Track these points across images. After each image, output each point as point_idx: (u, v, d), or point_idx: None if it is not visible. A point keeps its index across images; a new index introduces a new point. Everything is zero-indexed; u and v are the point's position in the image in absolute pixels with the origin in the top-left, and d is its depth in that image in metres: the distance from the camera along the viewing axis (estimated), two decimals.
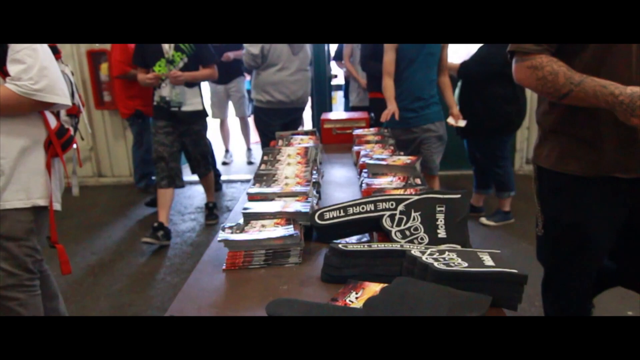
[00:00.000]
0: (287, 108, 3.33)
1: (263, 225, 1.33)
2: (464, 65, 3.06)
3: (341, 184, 1.98)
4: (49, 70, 1.47)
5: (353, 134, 2.60)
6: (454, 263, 1.00)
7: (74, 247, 3.32)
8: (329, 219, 1.34)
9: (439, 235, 1.24)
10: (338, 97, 5.55)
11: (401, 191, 1.56)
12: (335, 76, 5.06)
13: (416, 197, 1.32)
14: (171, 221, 3.75)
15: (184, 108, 3.23)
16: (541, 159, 1.51)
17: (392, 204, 1.31)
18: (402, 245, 1.17)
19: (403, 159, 1.90)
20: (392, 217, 1.28)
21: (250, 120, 4.89)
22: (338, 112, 4.77)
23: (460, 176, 4.44)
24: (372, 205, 1.33)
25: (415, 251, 1.07)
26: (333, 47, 4.93)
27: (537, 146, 1.53)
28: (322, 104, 4.65)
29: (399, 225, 1.27)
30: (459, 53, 3.25)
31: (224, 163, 5.37)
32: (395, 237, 1.24)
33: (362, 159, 1.98)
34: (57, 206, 1.69)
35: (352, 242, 1.31)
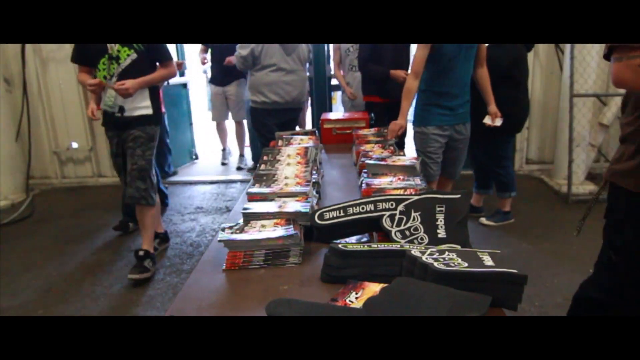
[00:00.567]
0: (282, 108, 3.33)
1: (263, 226, 1.33)
2: None
3: (341, 184, 1.98)
4: None
5: (353, 134, 2.60)
6: (454, 263, 1.00)
7: (74, 247, 3.32)
8: (329, 219, 1.34)
9: (439, 235, 1.24)
10: (338, 97, 5.55)
11: (401, 191, 1.56)
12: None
13: (416, 197, 1.32)
14: (171, 221, 3.75)
15: (128, 113, 2.65)
16: (626, 180, 1.33)
17: (392, 204, 1.31)
18: (402, 246, 1.17)
19: (403, 159, 1.90)
20: (392, 217, 1.28)
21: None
22: (338, 112, 4.76)
23: (461, 176, 4.43)
24: (372, 205, 1.33)
25: (415, 251, 1.07)
26: (333, 47, 4.92)
27: (620, 162, 1.35)
28: (322, 104, 4.65)
29: (398, 225, 1.27)
30: None
31: (223, 164, 5.27)
32: (395, 237, 1.25)
33: (362, 159, 1.98)
34: None
35: (352, 242, 1.31)
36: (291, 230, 1.28)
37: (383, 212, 1.30)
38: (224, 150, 5.36)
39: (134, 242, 3.38)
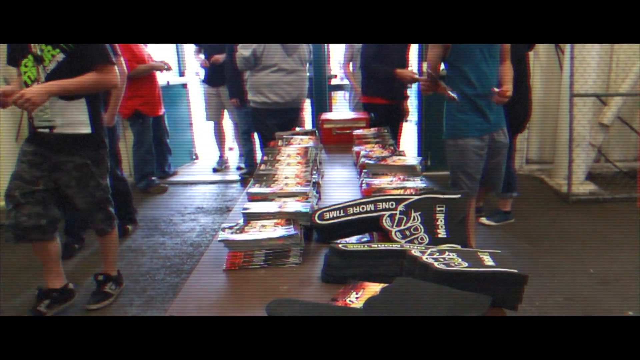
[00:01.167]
0: (282, 109, 3.33)
1: (263, 226, 1.33)
2: None
3: (341, 184, 1.98)
4: None
5: (353, 134, 2.60)
6: (454, 263, 1.00)
7: (73, 247, 3.32)
8: (329, 219, 1.34)
9: (439, 235, 1.24)
10: (338, 97, 5.54)
11: (401, 191, 1.56)
12: (335, 76, 5.04)
13: (416, 197, 1.32)
14: (171, 221, 3.75)
15: (58, 130, 2.15)
16: None
17: (392, 204, 1.31)
18: (402, 245, 1.17)
19: (403, 159, 1.90)
20: (392, 217, 1.28)
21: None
22: (338, 112, 4.76)
23: None
24: (372, 205, 1.33)
25: (415, 251, 1.07)
26: (333, 47, 4.91)
27: None
28: (322, 104, 4.65)
29: (399, 225, 1.27)
30: None
31: (216, 170, 5.02)
32: (395, 237, 1.25)
33: (362, 159, 1.98)
34: None
35: (352, 242, 1.31)
36: (291, 230, 1.28)
37: (383, 212, 1.30)
38: (220, 157, 5.14)
39: (134, 242, 3.38)
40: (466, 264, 0.99)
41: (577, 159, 3.87)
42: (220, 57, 4.41)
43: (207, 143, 5.67)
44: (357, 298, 1.00)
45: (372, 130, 2.65)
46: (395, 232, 1.26)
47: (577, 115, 3.79)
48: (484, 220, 3.42)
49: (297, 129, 2.92)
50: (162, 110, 4.44)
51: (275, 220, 1.37)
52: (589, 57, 3.76)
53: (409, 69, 3.47)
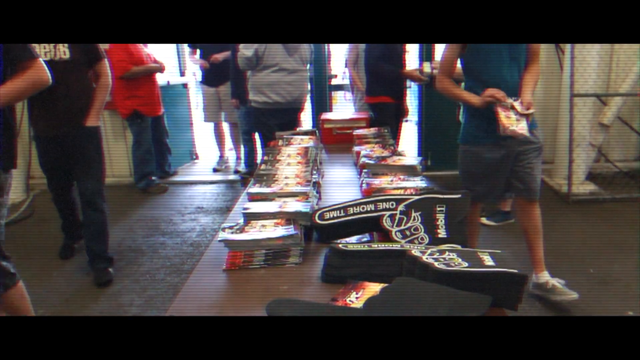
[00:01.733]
0: (283, 108, 3.33)
1: (263, 225, 1.33)
2: None
3: (341, 184, 1.98)
4: None
5: (353, 134, 2.60)
6: (454, 263, 1.00)
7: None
8: (330, 219, 1.34)
9: (439, 235, 1.24)
10: (338, 98, 5.54)
11: (401, 191, 1.56)
12: (335, 76, 5.04)
13: (416, 197, 1.32)
14: (171, 221, 3.76)
15: None
16: None
17: (392, 204, 1.31)
18: (402, 245, 1.17)
19: (403, 159, 1.90)
20: (392, 217, 1.28)
21: None
22: (338, 112, 4.76)
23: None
24: (372, 205, 1.33)
25: (415, 251, 1.07)
26: (333, 47, 4.91)
27: None
28: (322, 104, 4.65)
29: (399, 225, 1.27)
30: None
31: (216, 170, 5.02)
32: (395, 237, 1.25)
33: (363, 159, 1.98)
34: None
35: (352, 242, 1.31)
36: (291, 230, 1.28)
37: (383, 212, 1.30)
38: (221, 157, 5.16)
39: (134, 242, 3.38)
40: (466, 264, 0.99)
41: (577, 159, 3.87)
42: (219, 57, 4.39)
43: (207, 143, 5.67)
44: (357, 298, 1.00)
45: (373, 130, 2.65)
46: (396, 232, 1.26)
47: (577, 115, 3.79)
48: (484, 220, 3.42)
49: (298, 129, 2.92)
50: (162, 110, 4.44)
51: (275, 220, 1.37)
52: (589, 57, 3.76)
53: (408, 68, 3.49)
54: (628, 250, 2.89)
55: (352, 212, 1.33)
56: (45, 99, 2.36)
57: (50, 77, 1.85)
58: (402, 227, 1.26)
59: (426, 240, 1.23)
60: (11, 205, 4.21)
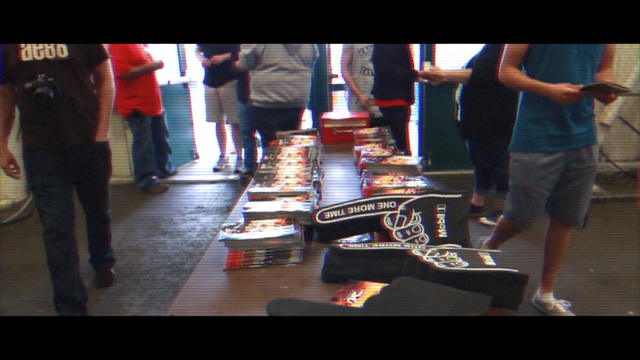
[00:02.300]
0: (284, 108, 3.33)
1: (264, 225, 1.33)
2: (469, 65, 3.03)
3: (342, 183, 1.98)
4: None
5: (354, 134, 2.60)
6: (454, 263, 1.00)
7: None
8: (330, 218, 1.34)
9: (440, 235, 1.23)
10: (338, 98, 5.52)
11: (402, 191, 1.55)
12: (336, 76, 5.03)
13: (417, 197, 1.32)
14: (172, 221, 3.76)
15: None
16: None
17: (392, 204, 1.31)
18: (402, 245, 1.17)
19: (403, 159, 1.90)
20: (392, 216, 1.28)
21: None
22: (338, 112, 4.75)
23: (460, 176, 4.43)
24: (373, 205, 1.33)
25: (415, 251, 1.07)
26: (333, 47, 4.90)
27: None
28: (322, 104, 4.64)
29: (399, 224, 1.27)
30: (457, 54, 3.24)
31: (216, 169, 4.98)
32: (395, 237, 1.24)
33: (363, 159, 1.98)
34: None
35: (352, 242, 1.31)
36: (292, 230, 1.28)
37: (384, 212, 1.30)
38: (221, 157, 5.13)
39: (134, 242, 3.38)
40: (467, 264, 0.99)
41: None
42: (219, 58, 4.38)
43: (208, 142, 5.66)
44: (357, 298, 1.00)
45: (373, 129, 2.65)
46: (396, 231, 1.26)
47: None
48: (484, 220, 3.42)
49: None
50: (162, 110, 4.44)
51: (276, 220, 1.37)
52: None
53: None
54: (628, 250, 2.89)
55: (352, 211, 1.33)
56: (40, 106, 2.06)
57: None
58: (403, 227, 1.26)
59: (426, 240, 1.23)
60: (11, 205, 4.21)
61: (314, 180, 1.73)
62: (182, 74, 5.26)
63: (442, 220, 1.26)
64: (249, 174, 4.49)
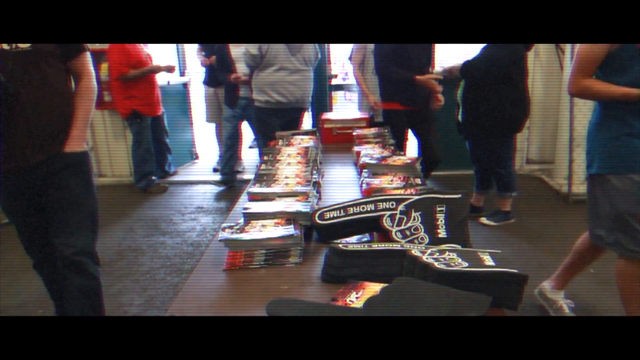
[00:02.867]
0: (285, 108, 3.33)
1: (263, 225, 1.33)
2: (468, 65, 3.02)
3: (341, 184, 1.98)
4: None
5: (353, 134, 2.60)
6: (454, 263, 1.00)
7: None
8: (330, 218, 1.34)
9: (440, 235, 1.24)
10: (338, 97, 5.52)
11: (401, 191, 1.56)
12: (335, 76, 5.03)
13: (416, 197, 1.32)
14: (172, 221, 3.76)
15: None
16: None
17: (392, 204, 1.31)
18: (402, 245, 1.17)
19: (403, 159, 1.90)
20: (392, 216, 1.28)
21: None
22: (338, 112, 4.75)
23: (461, 176, 4.44)
24: (372, 205, 1.33)
25: (415, 251, 1.07)
26: (333, 47, 4.90)
27: None
28: (322, 104, 4.64)
29: (399, 225, 1.27)
30: (456, 53, 3.24)
31: (216, 170, 4.90)
32: (395, 237, 1.25)
33: (363, 159, 1.98)
34: None
35: (352, 242, 1.31)
36: (291, 230, 1.28)
37: (383, 212, 1.30)
38: (221, 157, 4.95)
39: (134, 242, 3.38)
40: (466, 264, 0.99)
41: (578, 159, 3.87)
42: (204, 60, 4.37)
43: (208, 142, 5.66)
44: (357, 298, 1.00)
45: (373, 130, 2.65)
46: (396, 232, 1.26)
47: (578, 115, 3.79)
48: (484, 220, 3.42)
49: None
50: (161, 110, 4.44)
51: (276, 220, 1.37)
52: None
53: (432, 71, 3.20)
54: None
55: (352, 212, 1.33)
56: None
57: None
58: (402, 227, 1.26)
59: (426, 240, 1.23)
60: None
61: (314, 180, 1.73)
62: (182, 74, 5.26)
63: (441, 221, 1.26)
64: (225, 182, 4.41)
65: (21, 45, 1.59)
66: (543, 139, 4.54)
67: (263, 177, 1.76)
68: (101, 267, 1.93)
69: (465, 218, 1.28)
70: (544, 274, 2.68)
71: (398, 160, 1.89)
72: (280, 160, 1.97)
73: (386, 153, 2.10)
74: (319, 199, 1.72)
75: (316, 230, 1.39)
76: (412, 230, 1.25)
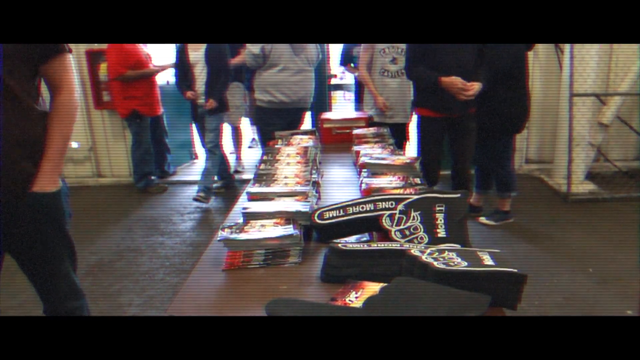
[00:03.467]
0: (288, 108, 3.33)
1: (263, 225, 1.33)
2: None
3: (341, 183, 1.98)
4: None
5: (353, 134, 2.60)
6: (453, 262, 1.00)
7: None
8: (329, 218, 1.34)
9: (439, 235, 1.24)
10: (338, 97, 5.52)
11: (400, 190, 1.56)
12: (335, 76, 5.03)
13: (415, 197, 1.32)
14: (171, 221, 3.75)
15: None
16: None
17: (391, 204, 1.31)
18: (401, 245, 1.17)
19: (403, 159, 1.90)
20: (391, 216, 1.28)
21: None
22: (338, 112, 4.75)
23: None
24: (372, 204, 1.33)
25: (414, 251, 1.07)
26: (333, 47, 4.90)
27: None
28: (321, 104, 4.64)
29: (398, 224, 1.27)
30: None
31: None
32: (394, 237, 1.25)
33: (362, 159, 1.98)
34: None
35: (351, 242, 1.31)
36: (291, 229, 1.28)
37: (382, 212, 1.30)
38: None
39: (133, 242, 3.38)
40: (466, 264, 0.99)
41: (577, 159, 3.87)
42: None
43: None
44: (356, 298, 1.00)
45: (372, 129, 2.65)
46: (395, 231, 1.26)
47: (577, 114, 3.80)
48: (483, 220, 3.43)
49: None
50: (161, 110, 4.44)
51: (275, 220, 1.37)
52: (589, 57, 3.76)
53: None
54: (627, 249, 2.89)
55: (351, 211, 1.33)
56: None
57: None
58: (402, 227, 1.26)
59: (425, 240, 1.23)
60: None
61: (313, 180, 1.73)
62: None
63: (441, 220, 1.26)
64: (225, 187, 4.42)
65: None
66: (542, 139, 4.54)
67: (262, 177, 1.76)
68: (84, 299, 1.77)
69: (464, 217, 1.28)
70: (543, 273, 2.68)
71: (398, 159, 1.89)
72: (279, 160, 1.97)
73: (386, 153, 2.10)
74: (318, 198, 1.72)
75: (315, 230, 1.39)
76: (411, 229, 1.25)
